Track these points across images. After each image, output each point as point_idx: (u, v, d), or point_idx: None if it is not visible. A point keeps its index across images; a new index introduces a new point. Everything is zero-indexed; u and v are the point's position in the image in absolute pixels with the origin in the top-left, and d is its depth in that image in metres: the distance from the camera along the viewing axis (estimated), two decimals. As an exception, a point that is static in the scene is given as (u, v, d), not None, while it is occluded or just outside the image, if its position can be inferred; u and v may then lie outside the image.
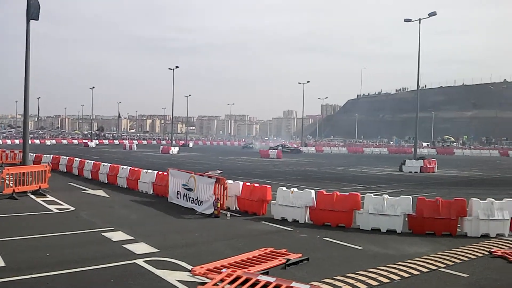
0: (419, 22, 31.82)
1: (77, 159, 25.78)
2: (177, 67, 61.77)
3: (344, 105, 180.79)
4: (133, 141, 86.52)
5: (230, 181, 14.32)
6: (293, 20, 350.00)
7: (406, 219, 11.34)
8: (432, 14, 31.17)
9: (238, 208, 13.86)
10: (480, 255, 9.10)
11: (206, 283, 6.99)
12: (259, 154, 49.97)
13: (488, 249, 9.46)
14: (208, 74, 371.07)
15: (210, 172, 18.75)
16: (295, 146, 68.30)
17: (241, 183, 14.16)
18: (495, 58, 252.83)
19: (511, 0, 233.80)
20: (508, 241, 10.29)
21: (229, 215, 12.77)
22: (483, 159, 52.28)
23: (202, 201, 13.59)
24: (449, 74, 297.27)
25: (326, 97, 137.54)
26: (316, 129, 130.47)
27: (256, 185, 13.84)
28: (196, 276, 7.34)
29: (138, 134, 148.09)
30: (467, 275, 7.69)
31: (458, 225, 11.08)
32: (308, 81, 72.54)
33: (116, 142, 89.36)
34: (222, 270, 7.47)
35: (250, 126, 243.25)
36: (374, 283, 7.20)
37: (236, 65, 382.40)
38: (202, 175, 14.55)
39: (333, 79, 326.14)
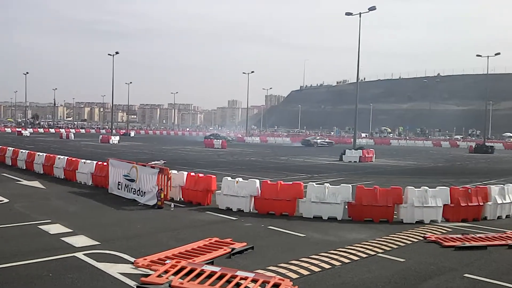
0: (359, 16, 32.78)
1: (10, 148, 24.34)
2: (117, 53, 59.59)
3: (287, 96, 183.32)
4: (70, 129, 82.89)
5: (174, 171, 14.13)
6: (236, 9, 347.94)
7: (346, 206, 11.74)
8: (372, 8, 32.18)
9: (182, 199, 13.71)
10: (415, 240, 9.60)
11: (149, 275, 6.87)
12: (203, 144, 49.65)
13: (422, 235, 10.00)
14: (151, 61, 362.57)
15: (153, 162, 18.41)
16: (329, 139, 62.04)
17: (185, 173, 14.00)
18: (430, 53, 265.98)
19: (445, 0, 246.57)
20: (441, 227, 10.95)
21: (173, 206, 12.60)
22: (418, 149, 55.07)
23: (144, 192, 13.30)
24: (387, 68, 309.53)
25: (271, 88, 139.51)
26: (260, 119, 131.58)
27: (201, 175, 13.74)
28: (139, 268, 7.19)
29: (75, 123, 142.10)
30: (404, 260, 8.10)
31: (395, 212, 11.62)
32: (252, 71, 72.88)
33: (52, 130, 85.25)
34: (166, 262, 7.37)
35: (194, 116, 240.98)
36: (316, 269, 7.40)
37: (180, 53, 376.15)
38: (145, 165, 14.22)
39: (277, 70, 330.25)
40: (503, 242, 9.34)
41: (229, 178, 12.96)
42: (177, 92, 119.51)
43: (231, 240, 8.84)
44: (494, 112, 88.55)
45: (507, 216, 12.37)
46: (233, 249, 8.26)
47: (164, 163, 20.91)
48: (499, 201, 12.21)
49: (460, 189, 12.30)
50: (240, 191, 12.36)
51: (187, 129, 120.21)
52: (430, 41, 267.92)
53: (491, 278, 7.17)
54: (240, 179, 12.85)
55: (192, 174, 13.95)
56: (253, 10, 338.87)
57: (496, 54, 50.40)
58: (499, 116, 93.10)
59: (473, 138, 76.18)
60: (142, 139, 65.72)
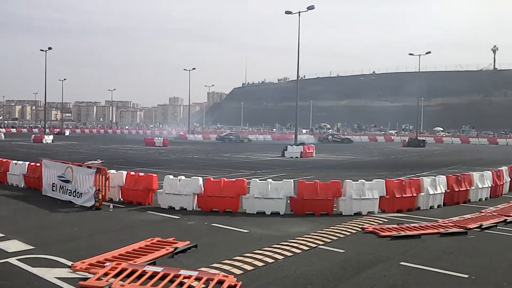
0: (299, 15, 33.37)
1: None
2: (49, 48, 56.62)
3: (230, 93, 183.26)
4: (0, 129, 77.92)
5: (113, 171, 13.69)
6: (175, 8, 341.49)
7: (289, 201, 11.94)
8: (311, 7, 32.85)
9: (122, 199, 13.30)
10: (354, 231, 9.95)
11: (88, 278, 6.61)
12: (143, 142, 48.50)
13: (360, 226, 10.38)
14: (87, 58, 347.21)
15: (89, 162, 17.70)
16: (345, 135, 62.50)
17: (124, 172, 13.60)
18: (366, 52, 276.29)
19: (378, 1, 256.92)
20: (377, 218, 11.41)
21: (112, 207, 12.19)
22: (355, 144, 57.08)
23: (81, 193, 12.76)
24: (326, 66, 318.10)
25: (213, 85, 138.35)
26: (203, 116, 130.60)
27: (141, 174, 13.41)
28: (77, 272, 6.90)
29: (6, 122, 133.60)
30: (343, 251, 8.37)
31: (334, 205, 11.97)
32: (193, 68, 71.91)
33: (-21, 131, 79.70)
34: (105, 264, 7.12)
35: (133, 113, 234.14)
36: (260, 264, 7.47)
37: (117, 50, 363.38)
38: (81, 165, 13.65)
39: (219, 68, 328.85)
40: (435, 231, 9.90)
41: (171, 177, 12.75)
42: (114, 89, 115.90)
43: (173, 240, 8.70)
44: (426, 108, 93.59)
45: (438, 206, 13.12)
46: (176, 248, 8.13)
47: (101, 162, 20.15)
48: (431, 192, 12.93)
49: (395, 181, 12.88)
50: (183, 189, 12.19)
51: (126, 127, 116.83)
52: (366, 41, 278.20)
53: (425, 265, 7.58)
54: (183, 177, 12.68)
55: (132, 173, 13.58)
56: (193, 7, 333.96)
57: (427, 53, 53.25)
58: (430, 112, 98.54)
59: (406, 133, 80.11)
60: (78, 138, 62.99)
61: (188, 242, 8.50)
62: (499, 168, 16.21)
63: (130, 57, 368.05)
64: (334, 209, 11.92)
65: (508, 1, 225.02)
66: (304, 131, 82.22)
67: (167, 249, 8.09)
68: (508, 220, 11.05)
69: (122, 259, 7.48)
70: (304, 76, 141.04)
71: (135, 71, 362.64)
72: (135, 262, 7.29)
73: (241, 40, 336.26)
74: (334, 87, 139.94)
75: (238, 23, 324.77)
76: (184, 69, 72.26)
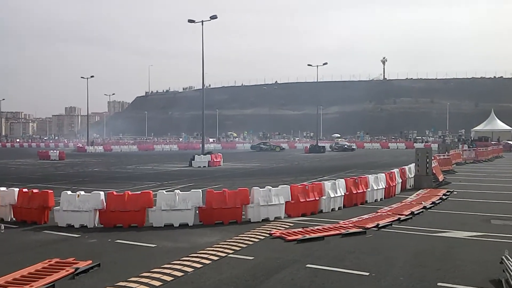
0: (202, 24, 33.47)
1: None
2: None
3: (132, 102, 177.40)
4: None
5: (3, 188, 12.49)
6: (66, 10, 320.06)
7: (197, 211, 11.79)
8: (213, 17, 33.16)
9: (14, 219, 12.15)
10: (262, 237, 10.10)
11: (-27, 311, 5.89)
12: (37, 156, 44.99)
13: (268, 232, 10.57)
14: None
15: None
16: (348, 143, 58.52)
17: (16, 189, 12.45)
18: (269, 61, 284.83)
19: (279, 10, 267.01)
20: (284, 223, 11.71)
21: (3, 228, 11.05)
22: (261, 152, 58.38)
23: (-35, 215, 11.43)
24: (230, 75, 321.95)
25: (113, 94, 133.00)
26: (103, 126, 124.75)
27: (35, 190, 12.37)
28: (-41, 305, 6.12)
29: None
30: (252, 258, 8.44)
31: (243, 213, 12.07)
32: (92, 76, 68.50)
33: None
34: (-5, 292, 6.41)
35: (25, 125, 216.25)
36: (169, 278, 7.25)
37: (3, 54, 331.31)
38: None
39: (120, 76, 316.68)
40: (338, 232, 10.42)
41: (69, 192, 11.92)
42: (3, 99, 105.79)
43: (74, 260, 8.11)
44: (324, 115, 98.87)
45: (339, 208, 13.83)
46: (76, 268, 7.58)
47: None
48: (332, 195, 13.61)
49: (299, 186, 13.35)
50: (83, 205, 11.44)
51: (17, 140, 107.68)
52: (268, 51, 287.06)
53: (329, 265, 7.92)
54: (82, 192, 11.91)
55: (25, 190, 12.48)
56: (86, 10, 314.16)
57: (324, 64, 56.49)
58: (328, 119, 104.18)
59: (308, 140, 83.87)
60: (-40, 153, 56.63)
61: (90, 261, 7.98)
62: (391, 170, 17.57)
63: (19, 63, 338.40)
64: (242, 216, 12.01)
65: (394, 15, 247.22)
66: (211, 140, 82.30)
67: (67, 270, 7.52)
68: (401, 219, 11.99)
69: (16, 284, 6.80)
70: (210, 85, 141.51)
71: (26, 78, 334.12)
72: (32, 286, 6.67)
73: (143, 47, 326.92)
74: (239, 96, 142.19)
75: (140, 29, 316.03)
76: (82, 77, 68.40)
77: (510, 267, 6.35)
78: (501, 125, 72.21)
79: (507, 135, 67.49)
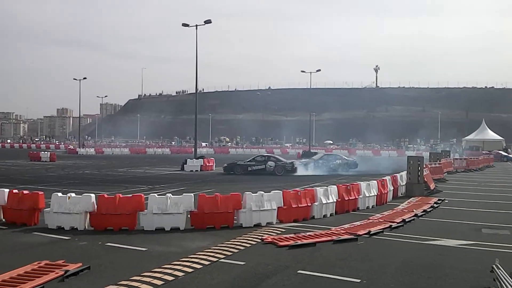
0: (196, 28, 33.47)
1: None
2: None
3: (125, 105, 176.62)
4: None
5: (-8, 189, 12.34)
6: (60, 12, 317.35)
7: (189, 215, 11.74)
8: (208, 21, 33.16)
9: (4, 220, 12.02)
10: (254, 243, 10.08)
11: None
12: (28, 157, 44.61)
13: (260, 237, 10.55)
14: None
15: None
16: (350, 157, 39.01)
17: (6, 190, 12.32)
18: (261, 67, 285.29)
19: (272, 16, 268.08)
20: (276, 228, 11.70)
21: (-9, 229, 10.95)
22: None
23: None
24: (223, 80, 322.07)
25: (106, 96, 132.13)
26: (95, 129, 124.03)
27: (25, 192, 12.25)
28: None
29: None
30: (244, 263, 8.41)
31: (235, 217, 12.04)
32: (85, 78, 67.81)
33: None
34: (-18, 294, 6.33)
35: (16, 125, 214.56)
36: (159, 282, 7.20)
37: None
38: (-47, 184, 12.10)
39: (113, 78, 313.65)
40: (329, 238, 10.42)
41: (60, 194, 11.82)
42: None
43: (63, 262, 8.04)
44: (317, 122, 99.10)
45: (331, 214, 13.85)
46: (66, 271, 7.51)
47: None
48: (324, 201, 13.62)
49: (291, 192, 13.35)
50: (73, 207, 11.35)
51: (8, 140, 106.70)
52: (261, 56, 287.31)
53: (321, 271, 7.92)
54: (73, 194, 11.82)
55: (15, 191, 12.35)
56: (80, 13, 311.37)
57: (317, 71, 56.69)
58: (321, 126, 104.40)
59: (300, 146, 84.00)
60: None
61: (80, 264, 7.91)
62: (383, 178, 17.64)
63: (9, 64, 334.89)
64: (234, 221, 11.97)
65: (387, 24, 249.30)
66: (203, 144, 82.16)
67: (57, 273, 7.44)
68: (393, 226, 12.03)
69: (5, 285, 6.72)
70: (203, 90, 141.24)
71: (16, 79, 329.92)
72: (19, 289, 6.58)
73: (136, 50, 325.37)
74: (232, 100, 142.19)
75: (134, 33, 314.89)
76: (74, 79, 67.89)
77: (501, 276, 6.38)
78: (492, 135, 72.86)
79: (498, 145, 68.05)
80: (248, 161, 31.15)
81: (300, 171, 30.03)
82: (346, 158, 35.53)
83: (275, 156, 34.04)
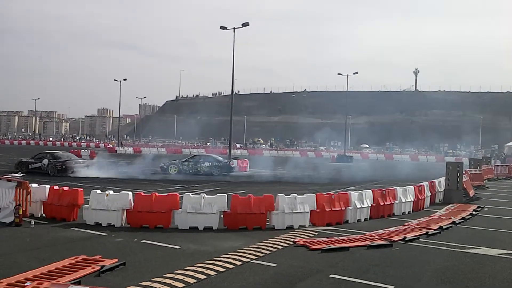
0: (234, 31, 33.78)
1: None
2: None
3: (162, 106, 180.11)
4: None
5: (35, 185, 12.85)
6: (101, 13, 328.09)
7: (222, 216, 11.85)
8: (245, 24, 33.43)
9: (44, 215, 12.51)
10: (286, 245, 10.05)
11: (3, 301, 6.08)
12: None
13: (292, 239, 10.52)
14: (6, 65, 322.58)
15: (9, 175, 16.51)
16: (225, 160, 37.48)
17: (47, 186, 12.81)
18: (297, 70, 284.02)
19: (307, 21, 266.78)
20: (308, 231, 11.63)
21: (33, 223, 11.41)
22: (287, 159, 58.15)
23: (0, 208, 11.83)
24: (259, 82, 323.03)
25: (145, 97, 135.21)
26: (134, 129, 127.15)
27: (65, 188, 12.71)
28: (-10, 295, 6.33)
29: None
30: (276, 265, 8.41)
31: (267, 219, 12.05)
32: (125, 79, 70.07)
33: None
34: (26, 284, 6.59)
35: (58, 124, 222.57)
36: (192, 280, 7.30)
37: (41, 56, 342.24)
38: (0, 179, 12.68)
39: (152, 80, 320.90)
40: (363, 243, 10.27)
41: (98, 191, 12.19)
42: (38, 98, 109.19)
43: (100, 257, 8.28)
44: (353, 125, 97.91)
45: (365, 219, 13.64)
46: (102, 266, 7.74)
47: (22, 175, 18.90)
48: (358, 206, 13.43)
49: (325, 195, 13.24)
50: (111, 204, 11.68)
51: (50, 138, 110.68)
52: (297, 59, 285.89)
53: (353, 277, 7.81)
54: (111, 192, 12.17)
55: (56, 187, 12.83)
56: (121, 16, 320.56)
57: (354, 73, 56.04)
58: (357, 129, 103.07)
59: (335, 149, 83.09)
60: (-4, 149, 58.71)
61: (116, 260, 8.13)
62: (421, 183, 17.22)
63: (55, 64, 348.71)
64: (267, 223, 11.99)
65: (427, 26, 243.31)
66: (238, 145, 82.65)
67: (93, 268, 7.68)
68: (429, 233, 11.72)
69: (44, 278, 6.98)
70: (239, 91, 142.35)
71: (61, 79, 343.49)
72: (58, 281, 6.82)
73: (175, 53, 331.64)
74: (267, 103, 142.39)
75: (173, 35, 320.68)
76: (115, 80, 70.14)
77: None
78: (536, 141, 69.77)
79: (543, 151, 65.00)
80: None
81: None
82: (219, 159, 31.01)
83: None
